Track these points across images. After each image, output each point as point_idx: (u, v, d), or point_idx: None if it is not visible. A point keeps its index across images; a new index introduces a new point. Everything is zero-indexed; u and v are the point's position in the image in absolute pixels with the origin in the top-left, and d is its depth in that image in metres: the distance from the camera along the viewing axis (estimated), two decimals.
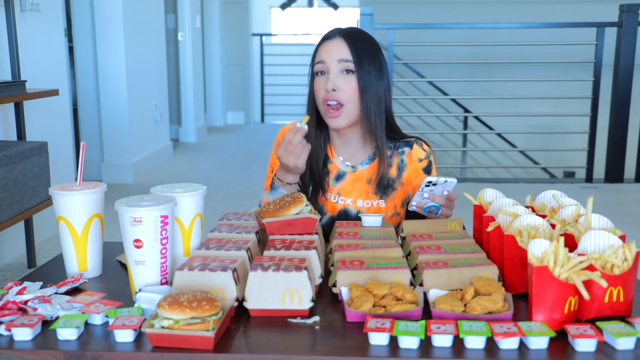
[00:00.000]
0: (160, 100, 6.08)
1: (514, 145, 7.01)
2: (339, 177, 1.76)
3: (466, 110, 6.79)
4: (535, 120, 6.98)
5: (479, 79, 6.68)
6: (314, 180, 1.75)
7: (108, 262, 1.43)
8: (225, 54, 9.34)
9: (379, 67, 1.67)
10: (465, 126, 6.92)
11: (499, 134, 6.79)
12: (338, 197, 1.75)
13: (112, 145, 5.20)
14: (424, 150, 1.77)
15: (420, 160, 1.76)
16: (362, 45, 1.66)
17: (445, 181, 1.56)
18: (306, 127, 1.59)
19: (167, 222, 1.20)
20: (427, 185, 1.55)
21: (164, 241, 1.21)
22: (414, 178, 1.76)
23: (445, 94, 6.91)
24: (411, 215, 1.78)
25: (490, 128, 6.92)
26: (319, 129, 1.76)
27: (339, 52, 1.65)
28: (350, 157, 1.77)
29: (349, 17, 11.33)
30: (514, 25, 6.25)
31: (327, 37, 1.70)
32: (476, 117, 6.84)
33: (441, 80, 7.04)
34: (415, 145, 1.77)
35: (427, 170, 1.76)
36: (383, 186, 1.73)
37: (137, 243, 1.19)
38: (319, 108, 1.71)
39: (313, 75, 1.71)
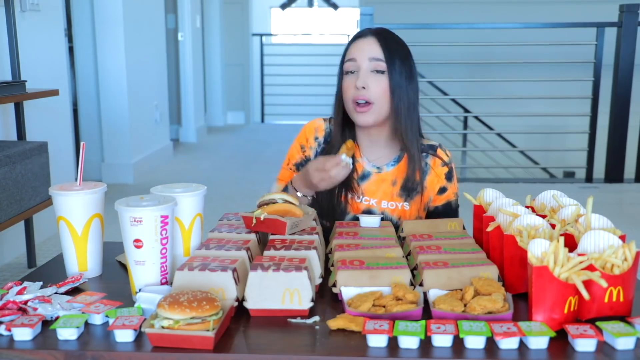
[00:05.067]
0: (160, 100, 6.08)
1: (513, 145, 7.01)
2: (364, 177, 1.73)
3: (466, 110, 6.79)
4: (535, 120, 6.98)
5: (479, 79, 6.68)
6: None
7: (108, 262, 1.43)
8: (225, 54, 9.33)
9: (409, 69, 1.65)
10: (465, 126, 6.92)
11: (498, 134, 6.79)
12: (362, 197, 1.72)
13: (112, 145, 5.20)
14: (447, 155, 1.77)
15: (443, 165, 1.75)
16: (393, 45, 1.65)
17: None
18: (350, 160, 1.56)
19: (167, 222, 1.20)
20: None
21: (164, 241, 1.21)
22: (436, 182, 1.74)
23: (445, 94, 6.91)
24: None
25: (490, 128, 6.92)
26: (347, 127, 1.73)
27: (371, 51, 1.64)
28: (376, 158, 1.74)
29: (349, 17, 11.33)
30: (514, 25, 6.25)
31: (358, 36, 1.69)
32: (476, 117, 6.84)
33: (441, 80, 7.04)
34: (439, 150, 1.76)
35: (449, 177, 1.75)
36: (408, 189, 1.71)
37: (137, 243, 1.19)
38: (346, 107, 1.68)
39: (342, 74, 1.69)
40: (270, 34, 11.27)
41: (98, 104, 5.19)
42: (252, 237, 1.35)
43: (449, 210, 1.77)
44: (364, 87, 1.62)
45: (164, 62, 6.24)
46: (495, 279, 1.20)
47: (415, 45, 7.36)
